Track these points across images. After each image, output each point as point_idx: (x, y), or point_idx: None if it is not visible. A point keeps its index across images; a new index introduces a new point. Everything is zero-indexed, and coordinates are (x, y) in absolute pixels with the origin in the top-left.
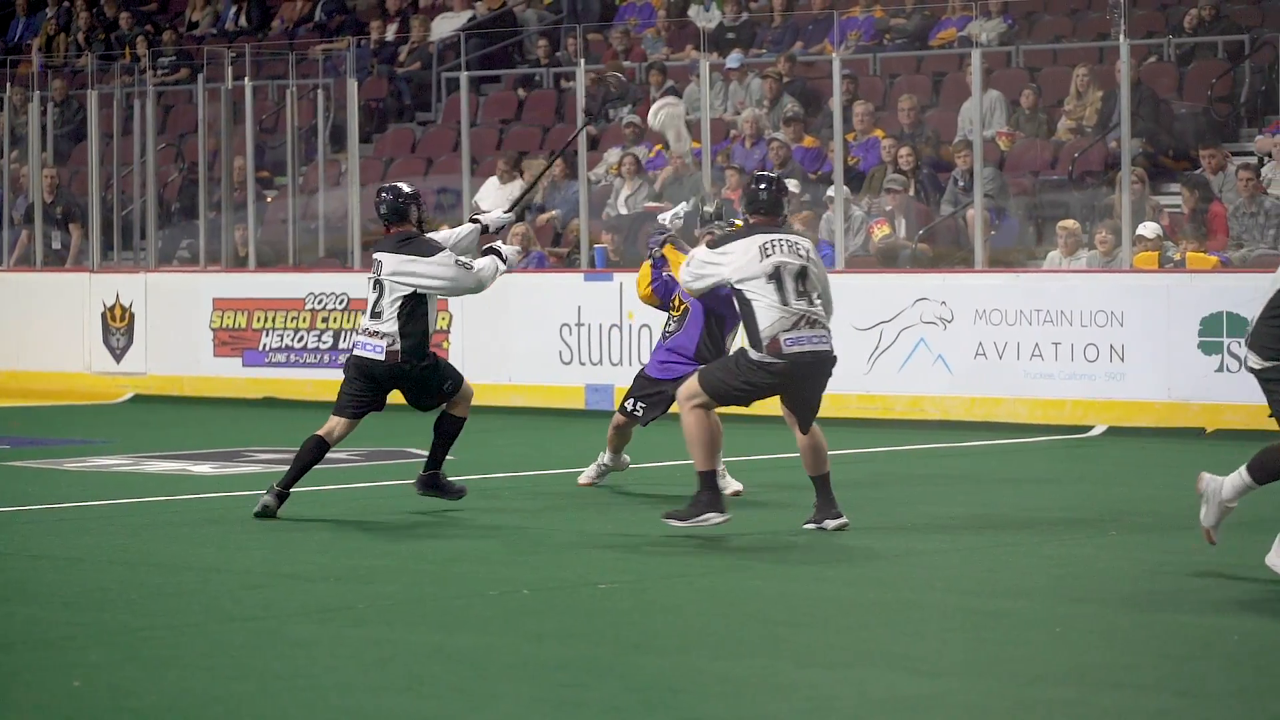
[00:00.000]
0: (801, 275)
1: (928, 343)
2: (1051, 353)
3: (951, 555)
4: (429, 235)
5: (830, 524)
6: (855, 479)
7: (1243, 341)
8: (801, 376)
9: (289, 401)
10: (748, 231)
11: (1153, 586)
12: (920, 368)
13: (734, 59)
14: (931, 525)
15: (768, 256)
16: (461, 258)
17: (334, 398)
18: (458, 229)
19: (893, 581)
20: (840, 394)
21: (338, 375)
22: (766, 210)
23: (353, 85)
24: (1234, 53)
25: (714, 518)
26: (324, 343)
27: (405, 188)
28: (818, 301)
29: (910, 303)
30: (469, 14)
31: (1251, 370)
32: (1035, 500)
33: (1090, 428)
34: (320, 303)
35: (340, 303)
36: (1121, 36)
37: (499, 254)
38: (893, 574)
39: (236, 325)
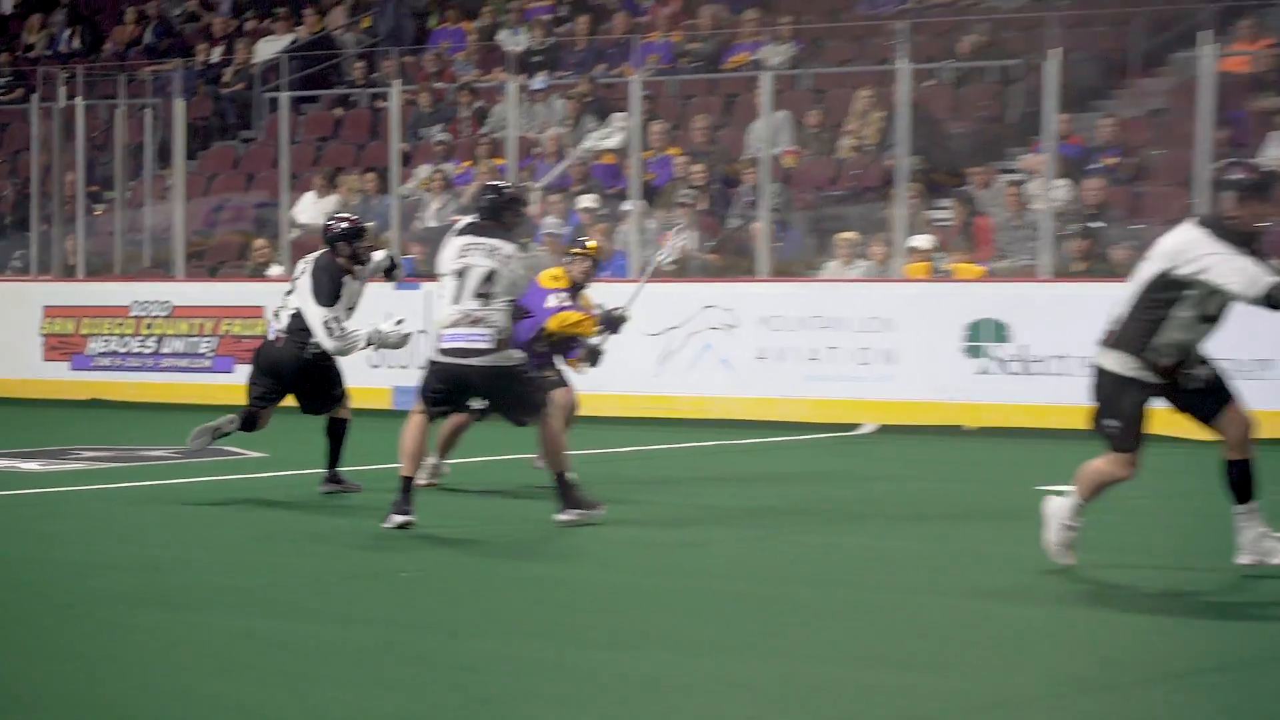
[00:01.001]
0: (488, 278)
1: (714, 347)
2: (828, 356)
3: (729, 545)
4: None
5: (558, 517)
6: (641, 475)
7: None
8: (459, 374)
9: (114, 403)
10: (463, 231)
11: (913, 572)
12: (706, 370)
13: (539, 81)
14: (710, 517)
15: (461, 257)
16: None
17: (157, 399)
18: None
19: (671, 570)
20: (631, 395)
21: (161, 378)
22: (485, 216)
23: (179, 105)
24: (1004, 77)
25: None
26: (148, 347)
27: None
28: (496, 305)
29: (699, 310)
30: (291, 37)
31: (1101, 370)
32: (810, 493)
33: (861, 425)
34: (145, 310)
35: (164, 310)
36: (901, 61)
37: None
38: (672, 563)
39: (65, 331)
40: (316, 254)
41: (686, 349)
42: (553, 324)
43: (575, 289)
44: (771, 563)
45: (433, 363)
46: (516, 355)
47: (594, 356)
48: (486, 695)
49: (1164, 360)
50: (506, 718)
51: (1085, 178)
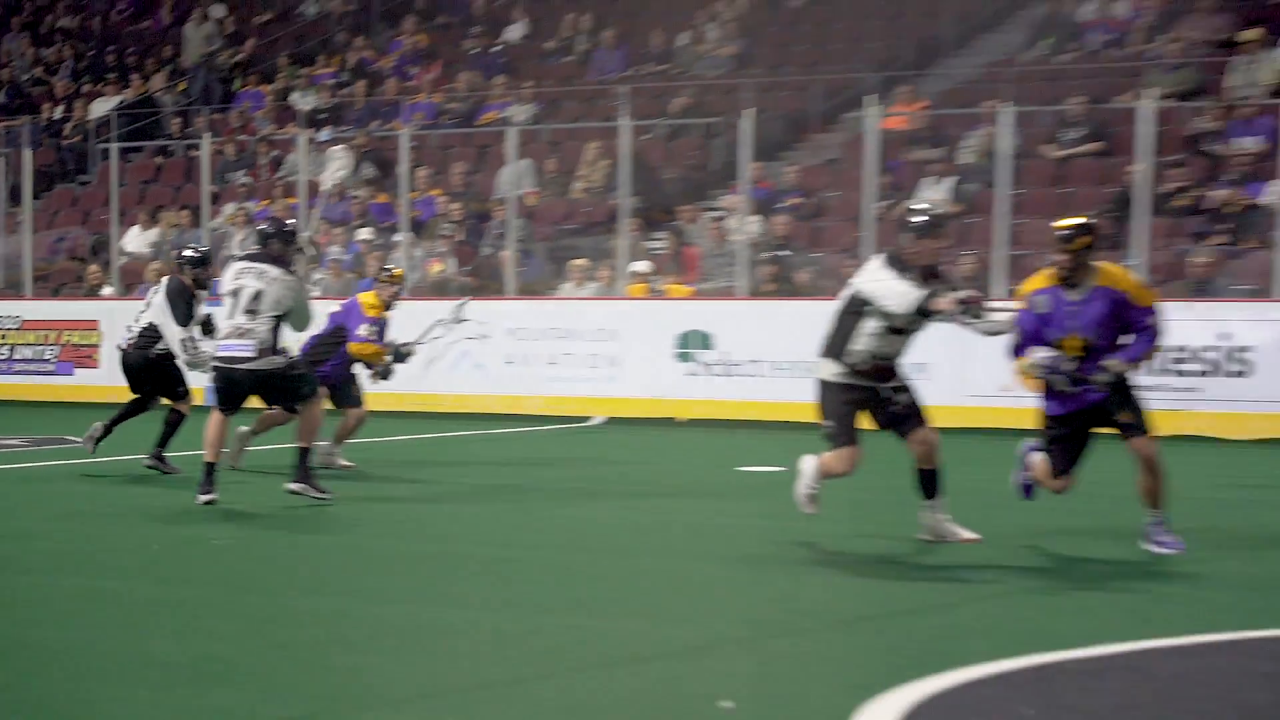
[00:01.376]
0: (256, 297)
1: (471, 354)
2: (564, 361)
3: (483, 517)
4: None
5: (289, 486)
6: (413, 458)
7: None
8: (231, 377)
9: None
10: (240, 258)
11: (632, 537)
12: (464, 373)
13: (325, 134)
14: (468, 493)
15: (236, 280)
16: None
17: (10, 397)
18: None
19: (437, 537)
20: (402, 393)
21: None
22: (259, 245)
23: (27, 154)
24: (707, 132)
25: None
26: (2, 354)
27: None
28: (262, 320)
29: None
30: (120, 98)
31: (818, 378)
32: (549, 474)
33: (591, 418)
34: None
35: (15, 323)
36: (623, 119)
37: None
38: (437, 531)
39: None
40: (166, 278)
41: (448, 355)
42: (353, 349)
43: (386, 309)
44: (516, 531)
45: (213, 368)
46: (279, 359)
47: (385, 374)
48: (284, 641)
49: (862, 366)
50: (302, 659)
51: (773, 215)
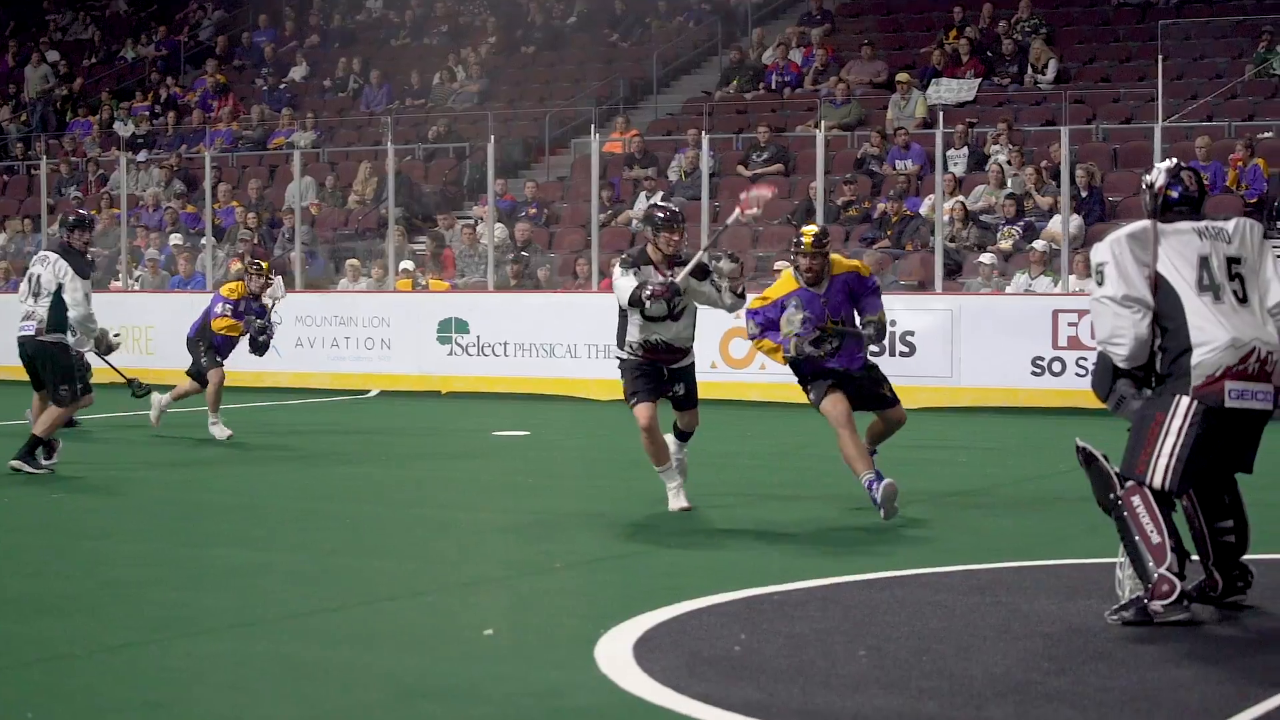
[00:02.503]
0: (36, 280)
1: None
2: (345, 343)
3: (281, 475)
4: None
5: (11, 462)
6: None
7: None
8: (23, 353)
9: None
10: (39, 250)
11: (413, 491)
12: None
13: (142, 156)
14: (269, 456)
15: (31, 268)
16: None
17: None
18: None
19: (243, 492)
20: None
21: None
22: (57, 238)
23: None
24: (459, 154)
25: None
26: None
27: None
28: (43, 301)
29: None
30: None
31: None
32: (335, 439)
33: (369, 391)
34: None
35: None
36: (389, 143)
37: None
38: (243, 487)
39: None
40: (47, 248)
41: (244, 338)
42: (214, 325)
43: (254, 297)
44: (309, 486)
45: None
46: (53, 340)
47: (260, 348)
48: (113, 580)
49: (637, 349)
50: (128, 595)
51: (516, 222)
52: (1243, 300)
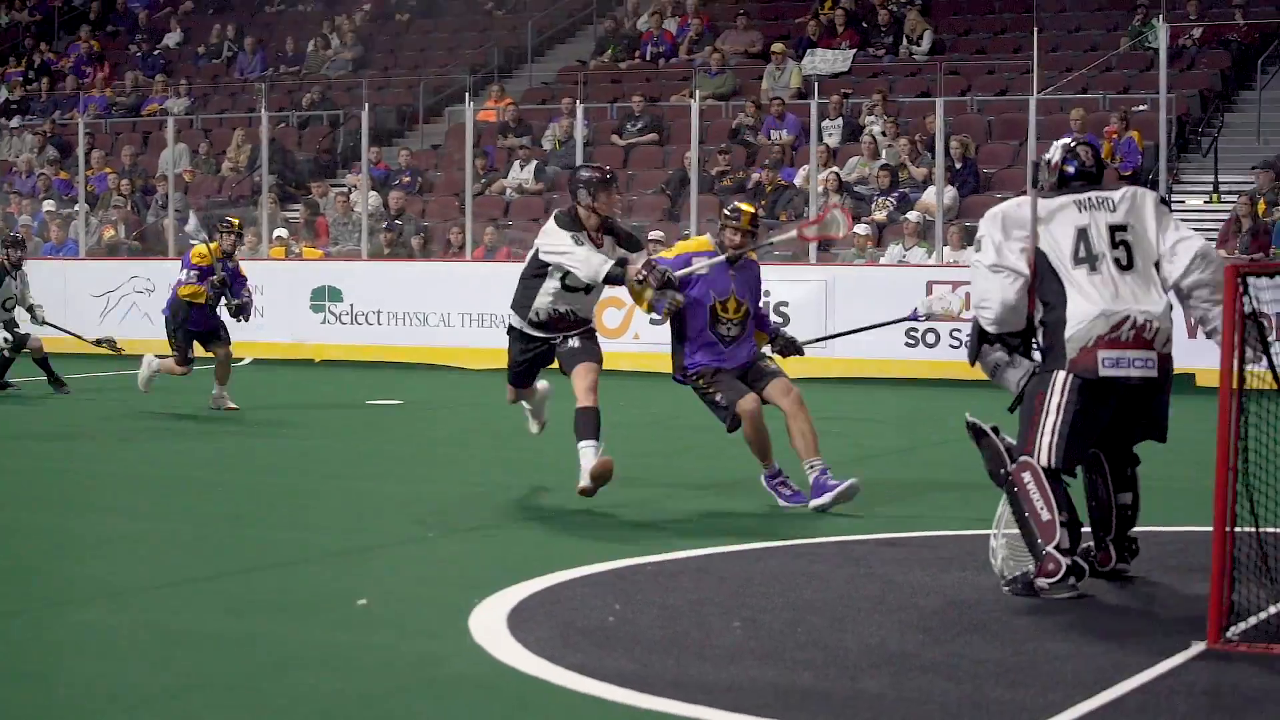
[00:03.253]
0: None
1: (139, 305)
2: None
3: (158, 445)
4: None
5: None
6: (98, 398)
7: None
8: None
9: None
10: None
11: (288, 460)
12: (133, 321)
13: (16, 122)
14: (147, 428)
15: None
16: None
17: None
18: None
19: (124, 462)
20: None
21: None
22: None
23: None
24: (333, 122)
25: None
26: None
27: None
28: None
29: (127, 278)
30: None
31: (512, 326)
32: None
33: (243, 359)
34: None
35: None
36: (262, 111)
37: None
38: (124, 457)
39: None
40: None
41: (118, 306)
42: (179, 292)
43: (226, 257)
44: (186, 455)
45: None
46: None
47: (239, 311)
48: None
49: (542, 317)
50: (24, 564)
51: (389, 191)
52: (1126, 267)
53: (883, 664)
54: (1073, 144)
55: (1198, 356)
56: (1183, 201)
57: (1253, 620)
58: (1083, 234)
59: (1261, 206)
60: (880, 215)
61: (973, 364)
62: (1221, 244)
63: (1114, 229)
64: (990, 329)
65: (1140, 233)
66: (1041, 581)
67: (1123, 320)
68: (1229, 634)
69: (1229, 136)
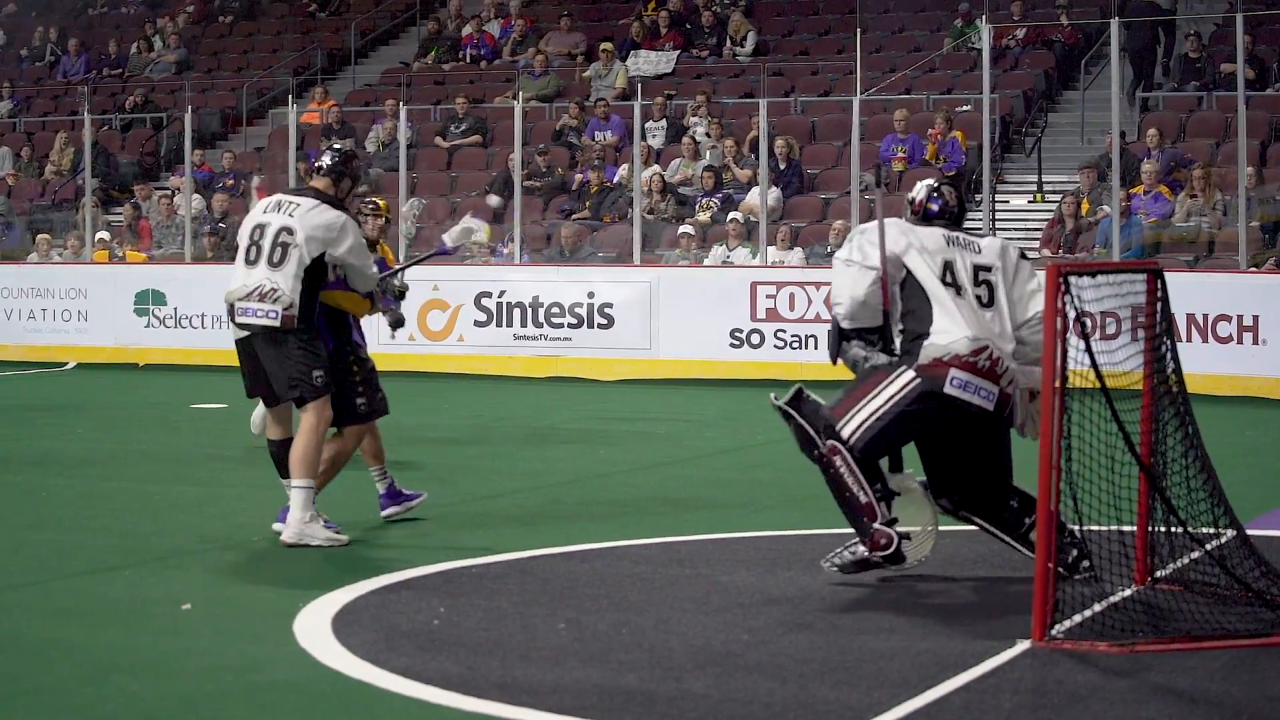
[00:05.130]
0: None
1: None
2: (42, 315)
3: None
4: None
5: None
6: None
7: None
8: None
9: None
10: None
11: (109, 465)
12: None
13: None
14: None
15: None
16: None
17: None
18: None
19: None
20: None
21: None
22: None
23: None
24: (156, 125)
25: None
26: None
27: None
28: None
29: None
30: None
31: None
32: (30, 414)
33: (66, 364)
34: None
35: None
36: (86, 113)
37: None
38: None
39: None
40: None
41: None
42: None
43: (371, 246)
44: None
45: None
46: None
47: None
48: None
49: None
50: None
51: (213, 194)
52: (987, 304)
53: (708, 664)
54: (937, 183)
55: None
56: (1006, 201)
57: (1078, 618)
58: (949, 265)
59: (1085, 206)
60: (704, 216)
61: (834, 362)
62: (1045, 244)
63: (979, 268)
64: (843, 323)
65: (1002, 275)
66: (876, 555)
67: (983, 349)
68: (1054, 631)
69: (1052, 136)
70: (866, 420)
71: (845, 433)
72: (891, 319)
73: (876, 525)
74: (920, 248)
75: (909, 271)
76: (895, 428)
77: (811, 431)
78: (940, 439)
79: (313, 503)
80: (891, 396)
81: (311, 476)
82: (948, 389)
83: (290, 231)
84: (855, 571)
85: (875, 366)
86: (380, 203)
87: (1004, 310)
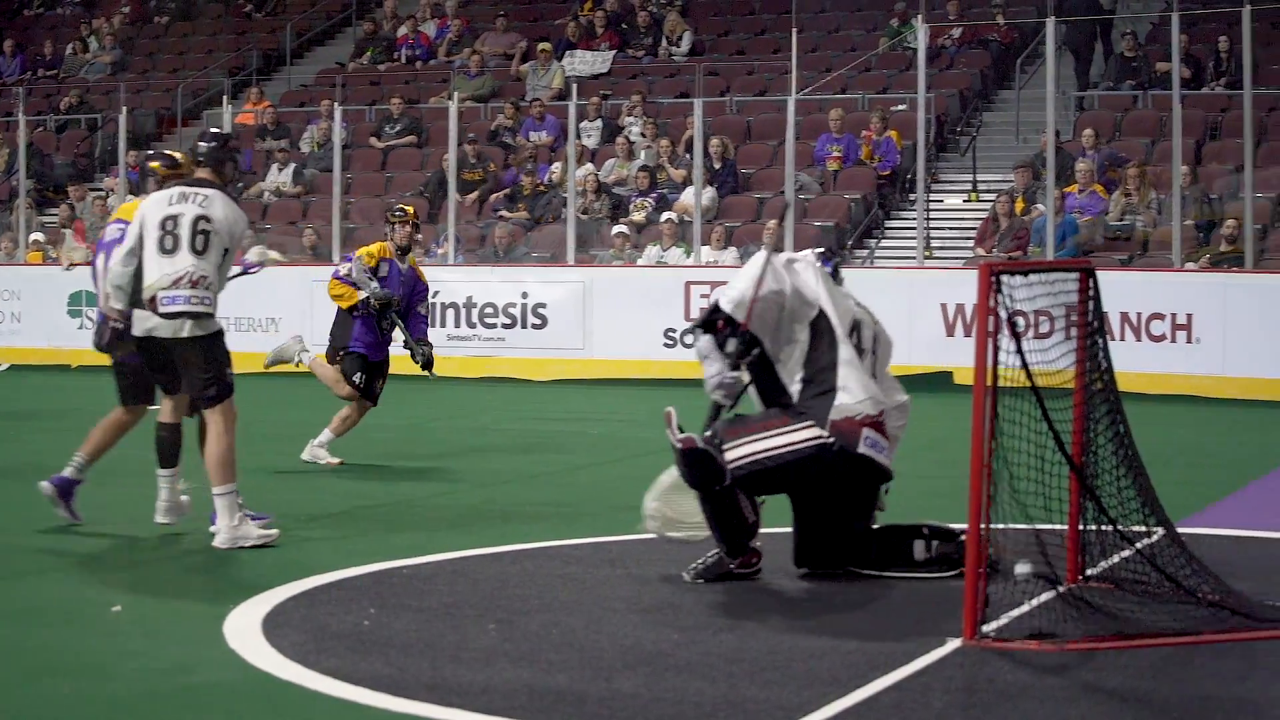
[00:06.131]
0: None
1: None
2: None
3: None
4: None
5: None
6: None
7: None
8: None
9: None
10: None
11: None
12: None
13: None
14: None
15: None
16: None
17: None
18: None
19: None
20: None
21: None
22: None
23: None
24: (90, 126)
25: None
26: None
27: None
28: None
29: None
30: None
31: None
32: None
33: (3, 365)
34: None
35: None
36: (20, 114)
37: None
38: None
39: None
40: None
41: None
42: (330, 289)
43: (401, 254)
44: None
45: None
46: None
47: (419, 357)
48: None
49: None
50: None
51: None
52: (874, 375)
53: (638, 664)
54: (825, 250)
55: (956, 354)
56: (941, 201)
57: (1008, 616)
58: (857, 326)
59: (1020, 205)
60: (639, 216)
61: (685, 338)
62: (980, 242)
63: (876, 335)
64: (726, 306)
65: (883, 344)
66: (742, 570)
67: (883, 411)
68: (985, 630)
69: (987, 136)
70: (755, 454)
71: (729, 456)
72: (772, 358)
73: (755, 544)
74: (833, 301)
75: (823, 317)
76: (779, 475)
77: (720, 463)
78: (820, 496)
79: (238, 505)
80: (792, 444)
81: (232, 481)
82: (861, 449)
83: (208, 220)
84: (714, 580)
85: (718, 372)
86: (408, 209)
87: (884, 376)
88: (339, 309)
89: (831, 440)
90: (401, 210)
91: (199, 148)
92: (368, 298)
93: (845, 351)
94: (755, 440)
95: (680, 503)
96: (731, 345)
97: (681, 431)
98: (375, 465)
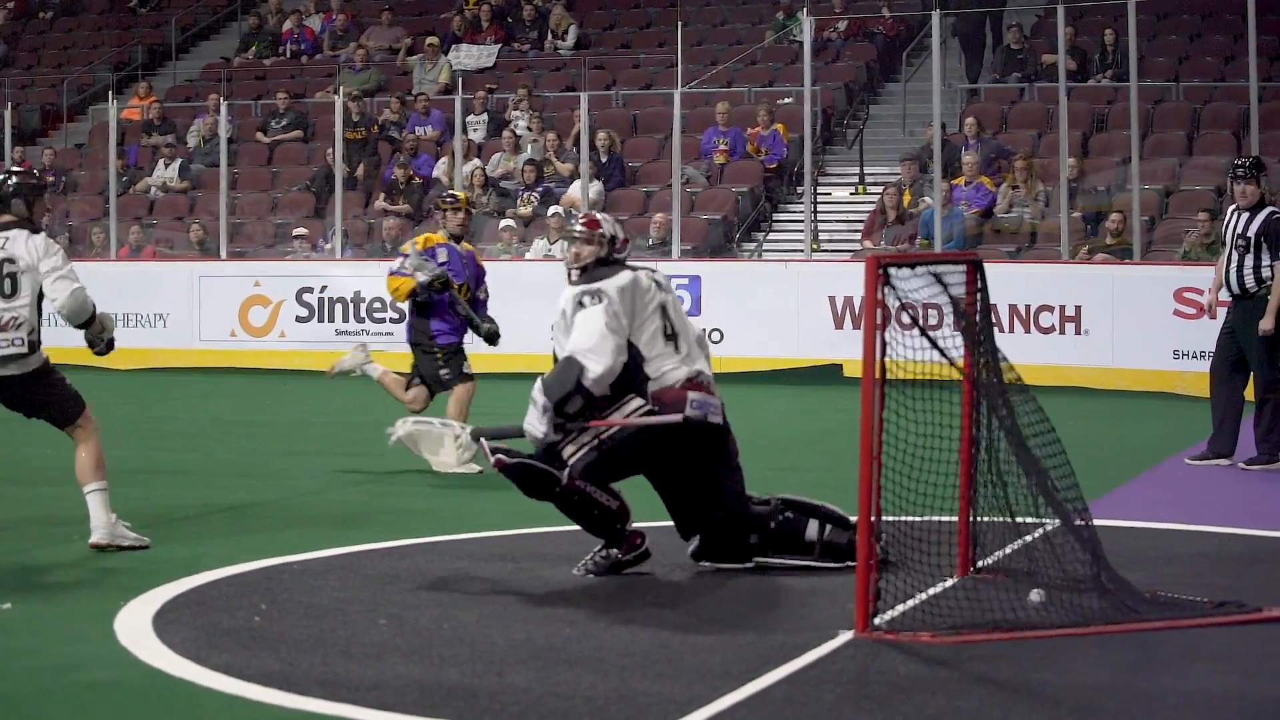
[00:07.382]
0: None
1: None
2: None
3: None
4: None
5: None
6: None
7: None
8: None
9: None
10: None
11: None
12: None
13: None
14: None
15: None
16: None
17: None
18: None
19: None
20: None
21: None
22: None
23: None
24: None
25: None
26: None
27: None
28: None
29: None
30: None
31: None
32: None
33: None
34: None
35: None
36: None
37: None
38: None
39: None
40: None
41: None
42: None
43: (455, 240)
44: None
45: None
46: None
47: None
48: None
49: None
50: None
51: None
52: (670, 337)
53: (530, 659)
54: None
55: (844, 347)
56: (828, 194)
57: (900, 609)
58: (663, 308)
59: (907, 197)
60: (525, 210)
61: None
62: (867, 235)
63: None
64: (593, 388)
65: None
66: (630, 556)
67: (700, 373)
68: (876, 622)
69: (874, 128)
70: (589, 442)
71: (566, 453)
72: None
73: (631, 526)
74: (638, 316)
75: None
76: (621, 455)
77: (544, 468)
78: (671, 468)
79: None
80: (623, 422)
81: (104, 478)
82: (689, 411)
83: (12, 261)
84: (609, 573)
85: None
86: (460, 195)
87: (687, 333)
88: (410, 313)
89: (655, 409)
90: (453, 197)
91: None
92: (429, 281)
93: (654, 351)
94: (587, 430)
95: (429, 445)
96: (573, 406)
97: (494, 454)
98: (266, 461)
